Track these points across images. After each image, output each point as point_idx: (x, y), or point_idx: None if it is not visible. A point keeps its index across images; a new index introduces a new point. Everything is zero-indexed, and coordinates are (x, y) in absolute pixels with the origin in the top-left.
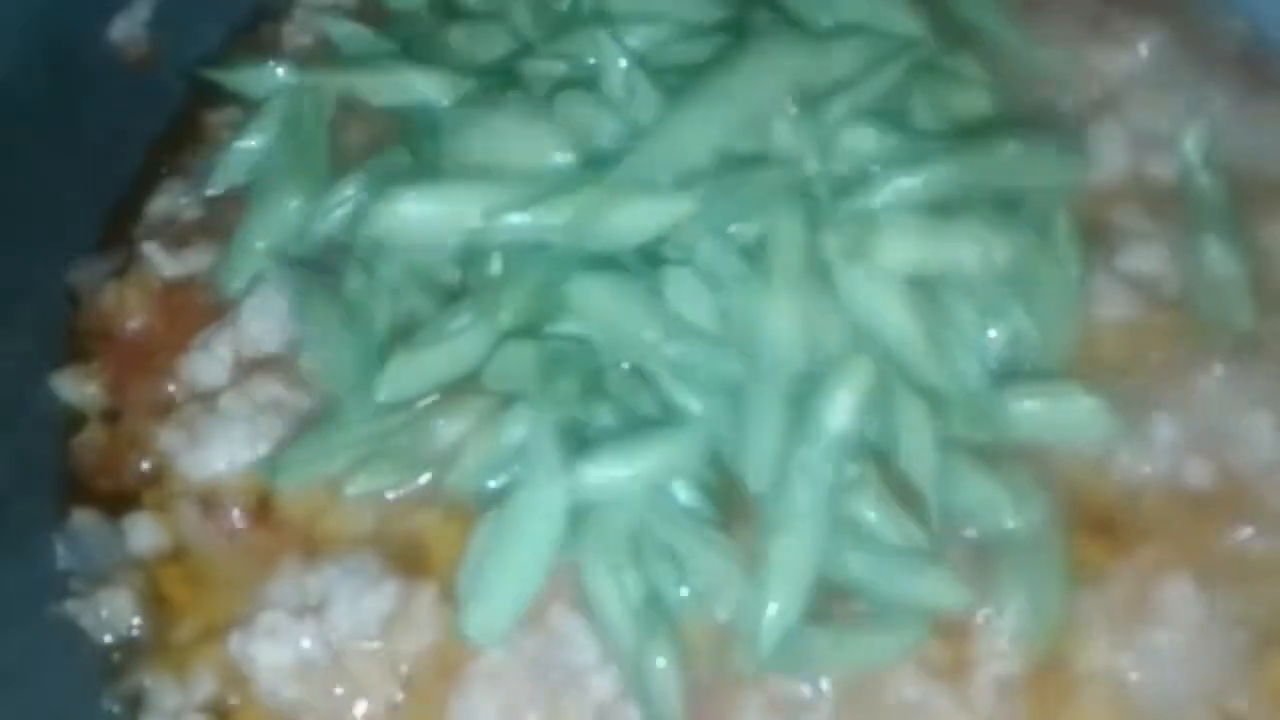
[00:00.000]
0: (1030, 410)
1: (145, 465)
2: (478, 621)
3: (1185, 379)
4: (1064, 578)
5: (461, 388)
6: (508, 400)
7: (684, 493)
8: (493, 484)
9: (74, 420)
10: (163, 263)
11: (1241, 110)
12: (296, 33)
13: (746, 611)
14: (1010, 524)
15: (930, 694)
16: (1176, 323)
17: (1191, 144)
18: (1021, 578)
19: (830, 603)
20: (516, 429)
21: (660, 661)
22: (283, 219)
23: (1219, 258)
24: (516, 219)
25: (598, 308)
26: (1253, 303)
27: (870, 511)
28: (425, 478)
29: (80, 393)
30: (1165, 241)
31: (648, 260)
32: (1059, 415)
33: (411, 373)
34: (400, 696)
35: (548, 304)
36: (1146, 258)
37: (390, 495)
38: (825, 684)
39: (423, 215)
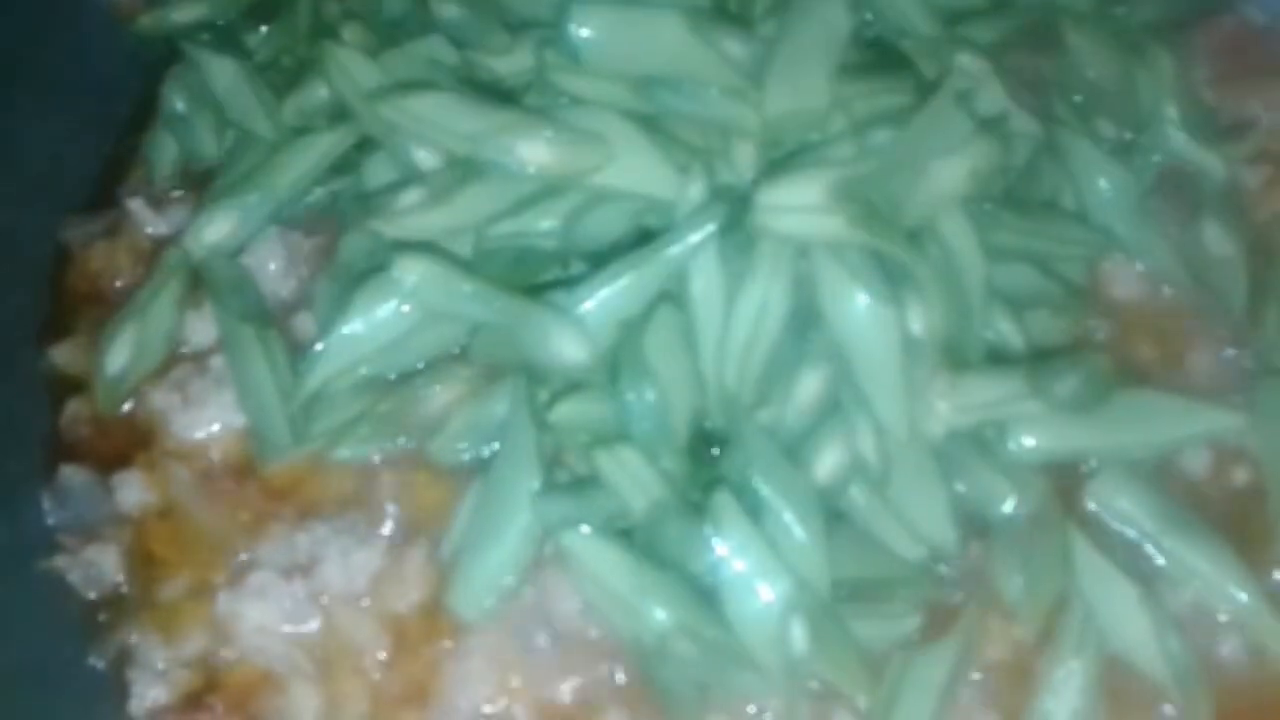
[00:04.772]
0: None
1: (136, 424)
2: (463, 597)
3: (1183, 357)
4: (1061, 561)
5: (450, 359)
6: (493, 373)
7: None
8: (478, 452)
9: (64, 377)
10: (148, 219)
11: (1227, 91)
12: None
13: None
14: (1008, 509)
15: None
16: (1176, 301)
17: (1189, 124)
18: (1019, 561)
19: None
20: (500, 402)
21: (663, 617)
22: (255, 188)
23: (1216, 238)
24: (507, 226)
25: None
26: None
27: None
28: (412, 443)
29: (71, 353)
30: (1167, 220)
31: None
32: None
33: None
34: (390, 655)
35: (519, 279)
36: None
37: (378, 458)
38: None
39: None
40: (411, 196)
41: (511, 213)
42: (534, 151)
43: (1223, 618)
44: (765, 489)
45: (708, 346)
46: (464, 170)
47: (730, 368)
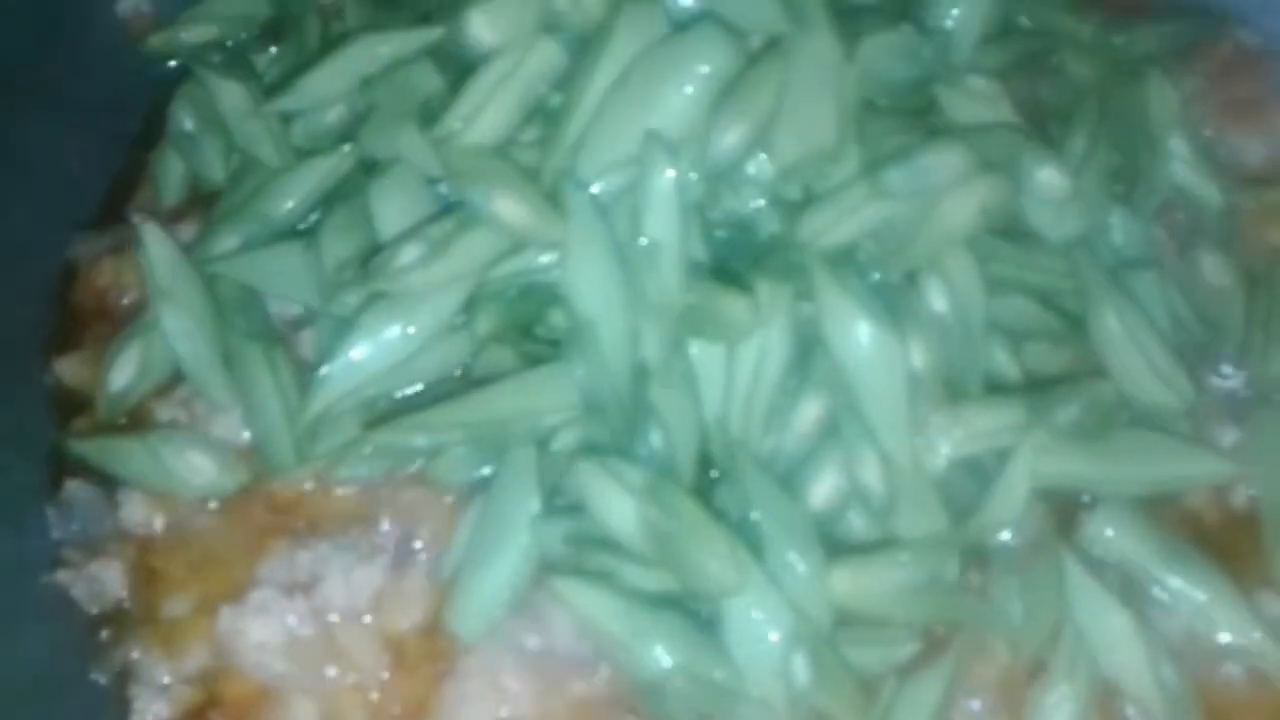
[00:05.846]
0: None
1: None
2: (461, 616)
3: None
4: (1059, 587)
5: (453, 379)
6: None
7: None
8: (478, 472)
9: (70, 391)
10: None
11: (1226, 118)
12: None
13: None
14: (1006, 537)
15: None
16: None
17: (1188, 153)
18: (1016, 588)
19: None
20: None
21: (662, 656)
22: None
23: (1214, 267)
24: (507, 266)
25: None
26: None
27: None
28: (415, 464)
29: (77, 368)
30: (1165, 249)
31: None
32: None
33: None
34: (389, 673)
35: (523, 316)
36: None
37: (380, 477)
38: None
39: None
40: (410, 252)
41: (511, 252)
42: (507, 206)
43: (1220, 645)
44: (765, 523)
45: (711, 396)
46: (459, 219)
47: (734, 419)
